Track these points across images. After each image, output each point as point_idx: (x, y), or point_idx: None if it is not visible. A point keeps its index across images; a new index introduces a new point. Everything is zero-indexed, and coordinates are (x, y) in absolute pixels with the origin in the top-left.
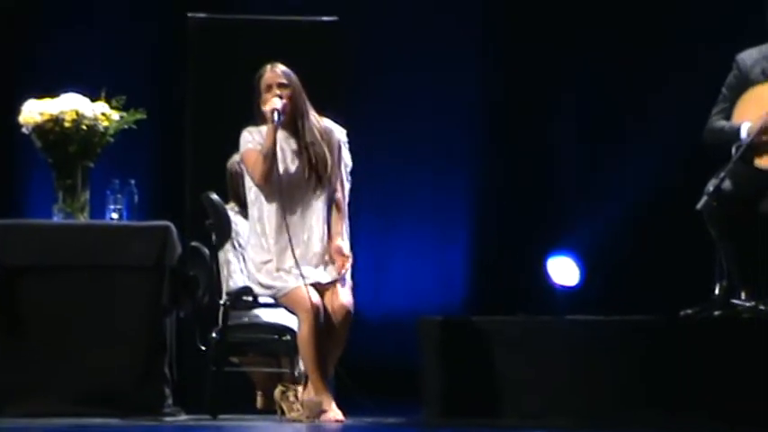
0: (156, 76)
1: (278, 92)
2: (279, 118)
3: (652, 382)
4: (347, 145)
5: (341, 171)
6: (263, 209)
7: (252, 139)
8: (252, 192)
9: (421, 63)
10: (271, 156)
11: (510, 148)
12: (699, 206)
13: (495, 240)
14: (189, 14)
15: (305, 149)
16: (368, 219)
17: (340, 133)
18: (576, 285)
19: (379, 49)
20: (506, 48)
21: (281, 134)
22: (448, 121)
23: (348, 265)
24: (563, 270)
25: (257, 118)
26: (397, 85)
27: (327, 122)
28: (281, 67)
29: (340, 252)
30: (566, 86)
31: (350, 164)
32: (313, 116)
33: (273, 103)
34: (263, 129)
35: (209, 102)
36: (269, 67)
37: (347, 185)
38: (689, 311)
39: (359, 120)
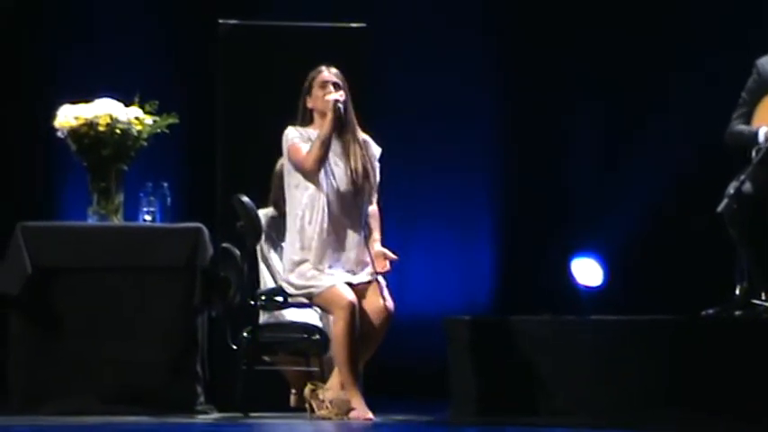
0: (188, 82)
1: (332, 89)
2: (342, 107)
3: (674, 380)
4: (378, 164)
5: (376, 183)
6: (304, 207)
7: (298, 134)
8: (296, 189)
9: (445, 67)
10: (327, 143)
11: (533, 149)
12: (719, 209)
13: (518, 241)
14: (220, 21)
15: (350, 155)
16: (391, 221)
17: (376, 149)
18: (600, 286)
19: (406, 55)
20: (526, 51)
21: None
22: (471, 124)
23: (387, 267)
24: (587, 271)
25: (301, 117)
26: (421, 90)
27: (365, 136)
28: (335, 70)
29: (384, 255)
30: (585, 87)
31: (378, 178)
32: (357, 126)
33: (336, 95)
34: (309, 130)
35: (239, 106)
36: (324, 66)
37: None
38: (710, 311)
39: (384, 123)
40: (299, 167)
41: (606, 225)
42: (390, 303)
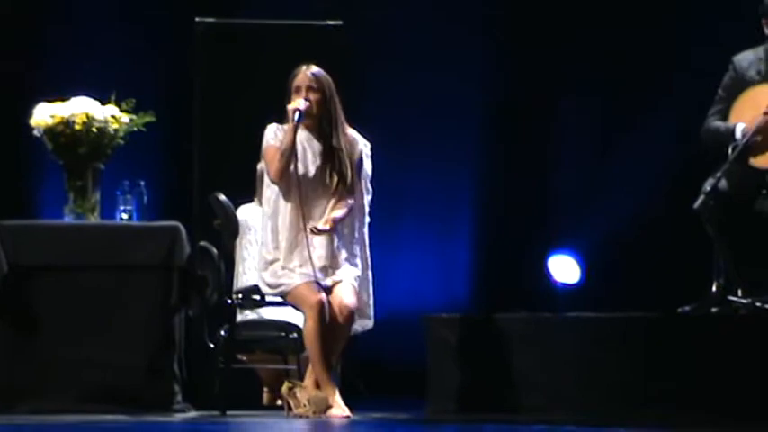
0: (165, 80)
1: (306, 94)
2: (299, 118)
3: (651, 377)
4: (369, 157)
5: (361, 181)
6: (278, 206)
7: (274, 135)
8: (268, 189)
9: (424, 66)
10: (288, 154)
11: (511, 147)
12: (696, 205)
13: (496, 239)
14: (197, 19)
15: (330, 154)
16: (372, 218)
17: (363, 145)
18: (577, 283)
19: (383, 53)
20: (508, 49)
21: (304, 135)
22: (449, 122)
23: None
24: (564, 268)
25: (285, 116)
26: (400, 88)
27: (352, 132)
28: (314, 70)
29: (331, 219)
30: (567, 86)
31: (370, 174)
32: (342, 124)
33: (297, 102)
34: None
35: (217, 105)
36: (303, 68)
37: (367, 196)
38: (687, 308)
39: (362, 122)
40: (268, 177)
41: (583, 222)
42: (352, 301)
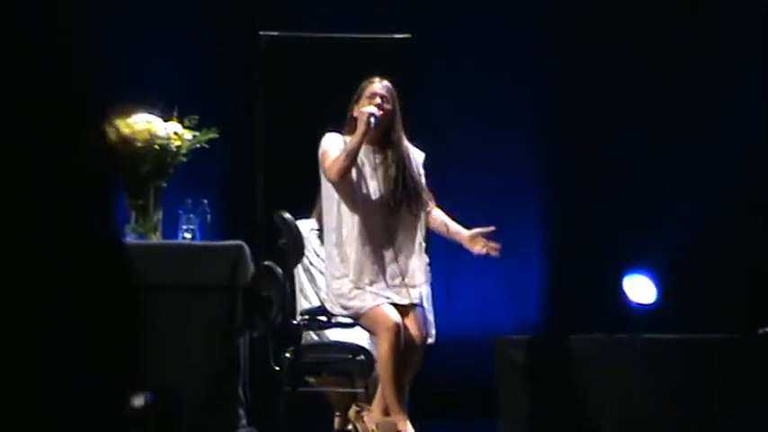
0: (227, 95)
1: (381, 102)
2: (375, 122)
3: (729, 402)
4: (423, 169)
5: (424, 190)
6: (341, 218)
7: (333, 141)
8: (327, 200)
9: (492, 81)
10: (354, 155)
11: (582, 164)
12: None
13: (568, 257)
14: (260, 33)
15: (389, 170)
16: (435, 237)
17: (419, 156)
18: (653, 303)
19: (450, 67)
20: (579, 64)
21: (365, 149)
22: (516, 139)
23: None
24: (639, 288)
25: (347, 126)
26: (466, 102)
27: (410, 146)
28: (386, 83)
29: (479, 234)
30: (638, 102)
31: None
32: (403, 138)
33: (372, 107)
34: (347, 138)
35: (280, 120)
36: (377, 78)
37: (432, 203)
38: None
39: (428, 137)
40: (325, 176)
41: (659, 241)
42: (425, 328)
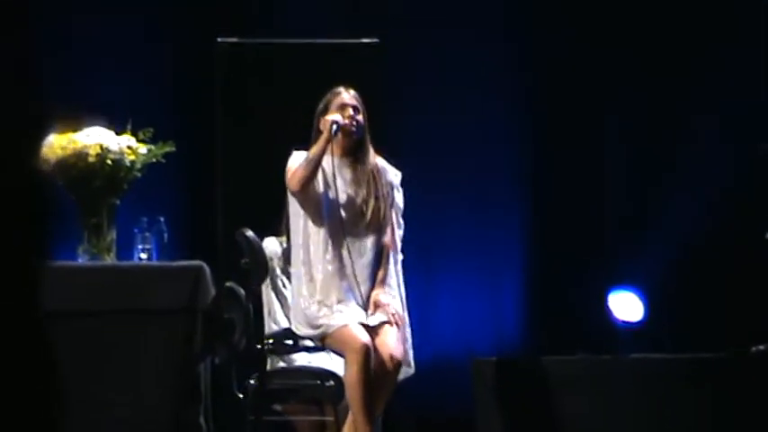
0: (184, 107)
1: (353, 113)
2: (336, 130)
3: (721, 423)
4: (401, 189)
5: (392, 214)
6: (308, 234)
7: (300, 159)
8: (295, 217)
9: (467, 89)
10: (315, 163)
11: (563, 176)
12: None
13: (550, 275)
14: (218, 39)
15: (360, 185)
16: (411, 256)
17: (394, 176)
18: (640, 321)
19: (423, 73)
20: (555, 73)
21: (336, 161)
22: (494, 150)
23: (393, 311)
24: (625, 306)
25: (313, 139)
26: (440, 111)
27: (381, 162)
28: (354, 93)
29: (377, 303)
30: (619, 112)
31: (402, 207)
32: (372, 154)
33: (335, 115)
34: None
35: (241, 132)
36: (343, 88)
37: (399, 230)
38: (761, 347)
39: (400, 148)
40: (288, 188)
41: (646, 256)
42: (399, 352)
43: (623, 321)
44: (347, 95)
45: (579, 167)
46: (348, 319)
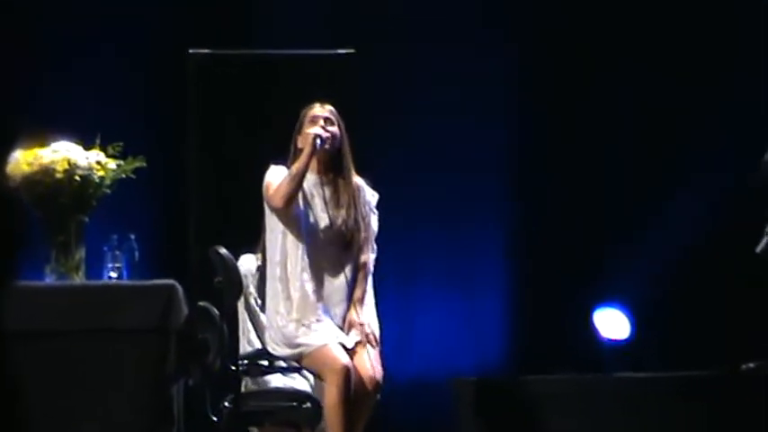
0: (155, 120)
1: (324, 124)
2: (321, 143)
3: None
4: (376, 211)
5: (369, 234)
6: (286, 251)
7: (278, 173)
8: (274, 233)
9: (447, 102)
10: (299, 179)
11: (545, 188)
12: (758, 249)
13: (532, 291)
14: (190, 50)
15: (340, 202)
16: (389, 272)
17: (371, 196)
18: (627, 339)
19: (402, 85)
20: (538, 86)
21: (313, 178)
22: (475, 164)
23: (369, 331)
24: (611, 323)
25: (291, 157)
26: (418, 126)
27: (359, 181)
28: (329, 106)
29: (351, 323)
30: (606, 126)
31: (376, 230)
32: (351, 170)
33: (317, 129)
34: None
35: (214, 147)
36: (317, 104)
37: (372, 255)
38: (751, 365)
39: (377, 163)
40: (269, 205)
41: (631, 271)
42: (379, 372)
43: (609, 339)
44: (319, 109)
45: (562, 181)
46: (327, 338)
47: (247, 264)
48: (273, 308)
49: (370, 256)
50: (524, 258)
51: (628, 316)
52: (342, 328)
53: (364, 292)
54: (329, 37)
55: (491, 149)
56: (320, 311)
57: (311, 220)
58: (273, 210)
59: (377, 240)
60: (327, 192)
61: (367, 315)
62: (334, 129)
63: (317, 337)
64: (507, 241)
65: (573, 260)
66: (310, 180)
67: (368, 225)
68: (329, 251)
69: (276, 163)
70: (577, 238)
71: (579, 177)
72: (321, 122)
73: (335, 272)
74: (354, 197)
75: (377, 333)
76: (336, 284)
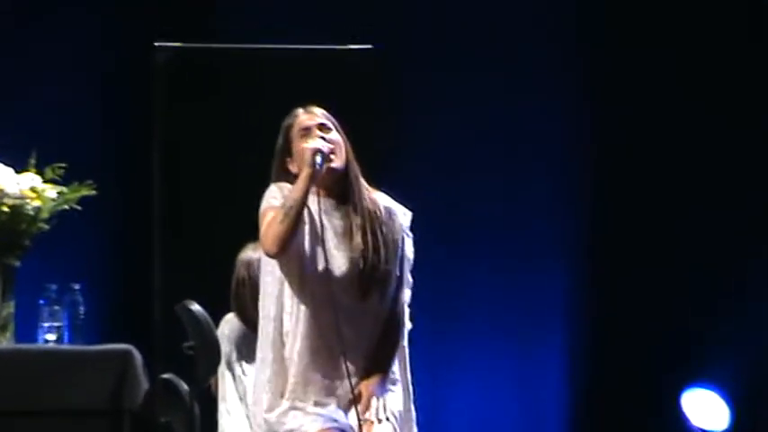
0: (109, 134)
1: (321, 134)
2: (321, 161)
3: None
4: (410, 234)
5: (403, 270)
6: (282, 304)
7: (280, 195)
8: (265, 275)
9: (485, 101)
10: (295, 213)
11: (623, 223)
12: None
13: (603, 362)
14: (156, 44)
15: (357, 232)
16: (420, 323)
17: (403, 216)
18: (725, 430)
19: (427, 85)
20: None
21: (318, 203)
22: (524, 181)
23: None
24: (704, 408)
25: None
26: (451, 133)
27: (384, 199)
28: (318, 109)
29: (362, 394)
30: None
31: (411, 259)
32: (365, 187)
33: (316, 141)
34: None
35: (185, 167)
36: (300, 110)
37: (407, 290)
38: None
39: (400, 180)
40: (262, 251)
41: (731, 345)
42: None
43: (701, 429)
44: (306, 116)
45: (646, 212)
46: (324, 423)
47: (231, 324)
48: (260, 384)
49: (404, 294)
50: (594, 319)
51: (726, 401)
52: (351, 401)
53: (388, 353)
54: (328, 33)
55: (558, 155)
56: (324, 392)
57: (318, 262)
58: (266, 255)
59: (411, 272)
60: (337, 220)
61: (390, 386)
62: (335, 136)
63: (309, 420)
64: (573, 292)
65: (658, 328)
66: (318, 207)
67: (402, 257)
68: (342, 303)
69: (277, 178)
70: (664, 300)
71: (670, 212)
72: (317, 132)
73: (351, 326)
74: (373, 222)
75: (402, 409)
76: (351, 342)
